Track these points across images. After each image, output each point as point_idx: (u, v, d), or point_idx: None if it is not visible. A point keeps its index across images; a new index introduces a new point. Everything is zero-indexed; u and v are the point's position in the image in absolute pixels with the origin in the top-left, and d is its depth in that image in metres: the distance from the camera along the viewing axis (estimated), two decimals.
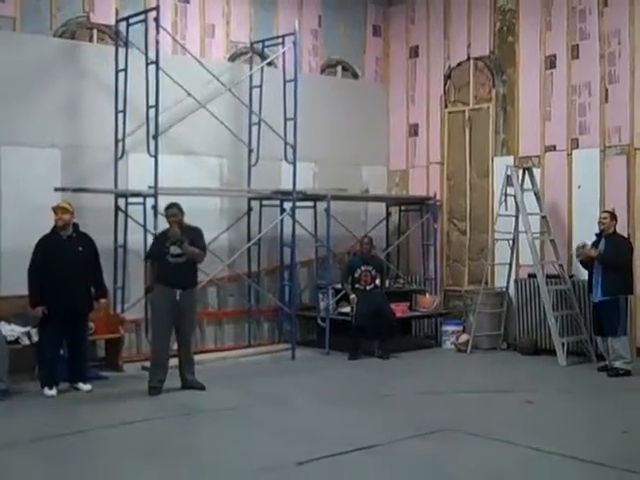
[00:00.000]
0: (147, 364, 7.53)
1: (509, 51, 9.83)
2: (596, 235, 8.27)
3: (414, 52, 10.81)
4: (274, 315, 9.78)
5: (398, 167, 10.95)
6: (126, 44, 8.49)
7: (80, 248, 7.22)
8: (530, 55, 9.60)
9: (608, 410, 6.83)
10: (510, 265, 9.46)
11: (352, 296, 9.10)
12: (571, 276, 9.03)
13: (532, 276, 9.12)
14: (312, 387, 7.64)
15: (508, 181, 9.16)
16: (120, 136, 8.48)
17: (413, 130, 10.80)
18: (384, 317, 8.95)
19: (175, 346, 7.34)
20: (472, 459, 5.40)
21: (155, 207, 8.07)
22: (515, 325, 9.45)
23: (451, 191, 10.41)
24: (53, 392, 7.04)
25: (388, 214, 10.75)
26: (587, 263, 8.26)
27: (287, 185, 9.20)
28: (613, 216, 8.24)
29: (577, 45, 9.19)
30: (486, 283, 9.51)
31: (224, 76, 9.16)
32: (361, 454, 5.45)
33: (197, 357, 7.69)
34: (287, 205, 9.24)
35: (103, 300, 7.46)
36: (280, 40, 9.53)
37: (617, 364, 7.96)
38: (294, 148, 9.06)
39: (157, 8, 8.13)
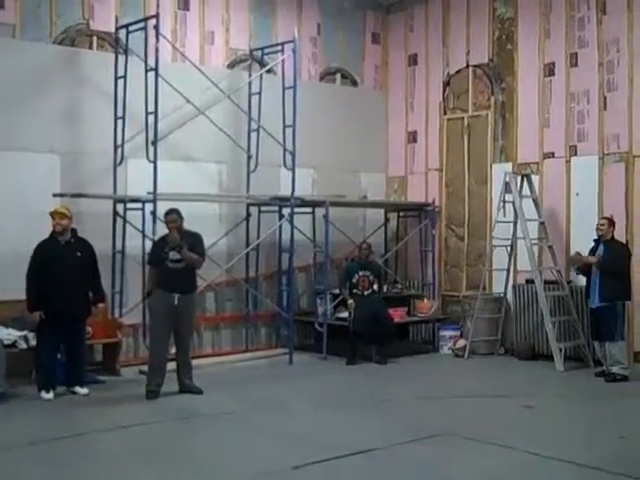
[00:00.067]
0: (144, 368, 7.55)
1: (508, 59, 9.87)
2: (594, 241, 8.29)
3: (413, 60, 10.85)
4: (272, 320, 9.79)
5: (397, 174, 10.99)
6: (126, 51, 8.53)
7: (78, 253, 7.24)
8: (529, 63, 9.64)
9: (605, 415, 6.83)
10: (508, 271, 9.48)
11: (350, 301, 9.11)
12: (569, 282, 9.04)
13: (530, 282, 9.14)
14: (309, 392, 7.65)
15: (507, 188, 9.19)
16: (119, 142, 8.51)
17: (412, 137, 10.84)
18: (382, 322, 8.97)
19: (173, 350, 7.35)
20: (470, 463, 5.41)
21: (154, 213, 8.09)
22: (513, 330, 9.46)
23: (450, 197, 10.44)
24: (50, 396, 7.05)
25: (387, 220, 10.78)
26: (585, 270, 8.28)
27: (286, 191, 9.23)
28: (611, 222, 8.26)
29: (576, 53, 9.23)
30: (484, 289, 9.53)
31: (223, 83, 9.20)
32: (358, 458, 5.46)
33: (195, 361, 7.69)
34: (286, 211, 9.26)
35: (101, 305, 7.47)
36: (279, 47, 9.57)
37: (614, 369, 7.97)
38: (293, 154, 9.09)
39: (157, 16, 8.17)
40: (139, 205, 8.30)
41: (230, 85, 9.33)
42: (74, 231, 7.32)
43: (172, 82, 8.27)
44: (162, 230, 7.61)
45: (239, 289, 9.52)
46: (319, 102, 10.15)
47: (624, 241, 8.52)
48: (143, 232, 8.24)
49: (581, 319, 8.84)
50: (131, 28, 8.50)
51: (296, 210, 9.19)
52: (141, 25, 8.43)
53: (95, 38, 8.67)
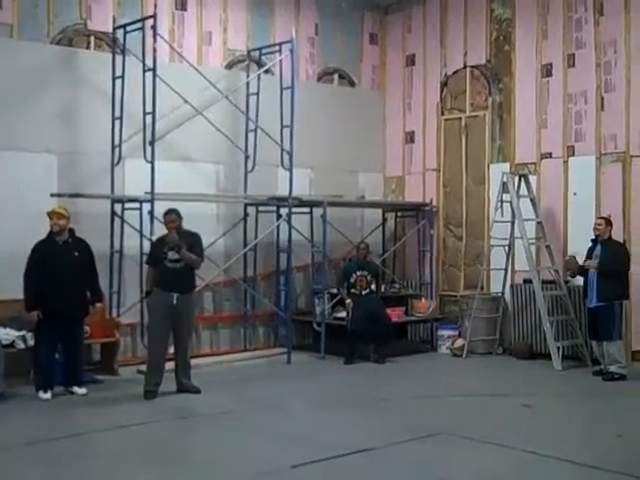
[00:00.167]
0: (143, 367, 7.55)
1: (505, 59, 9.89)
2: (591, 241, 8.30)
3: (411, 60, 10.86)
4: (270, 320, 9.80)
5: (394, 174, 11.00)
6: (123, 51, 8.52)
7: (76, 253, 7.24)
8: (526, 64, 9.66)
9: (603, 414, 6.84)
10: (506, 270, 9.49)
11: (348, 301, 9.12)
12: (566, 282, 9.05)
13: (528, 281, 9.15)
14: (308, 391, 7.65)
15: (504, 188, 9.20)
16: (117, 142, 8.50)
17: (409, 137, 10.85)
18: (380, 322, 8.98)
19: (172, 350, 7.35)
20: (468, 463, 5.41)
21: (151, 213, 8.09)
22: (510, 330, 9.48)
23: (447, 197, 10.45)
24: (48, 396, 7.04)
25: (384, 220, 10.79)
26: (581, 271, 8.30)
27: (283, 191, 9.24)
28: (608, 222, 8.28)
29: (573, 54, 9.25)
30: (482, 288, 9.55)
31: (221, 83, 9.21)
32: (357, 458, 5.46)
33: (193, 361, 7.69)
34: (283, 211, 9.27)
35: (99, 304, 7.46)
36: (277, 48, 9.58)
37: (612, 368, 7.98)
38: (290, 155, 9.09)
39: (154, 16, 8.17)
40: (137, 205, 8.30)
41: (228, 85, 9.34)
42: (72, 231, 7.32)
43: (170, 82, 8.27)
44: (160, 230, 7.61)
45: (237, 289, 9.53)
46: (317, 102, 10.15)
47: (621, 241, 8.54)
48: (141, 232, 8.24)
49: (579, 318, 8.85)
50: (129, 28, 8.49)
51: (294, 210, 9.20)
52: (139, 25, 8.42)
53: (93, 38, 8.67)
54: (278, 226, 9.40)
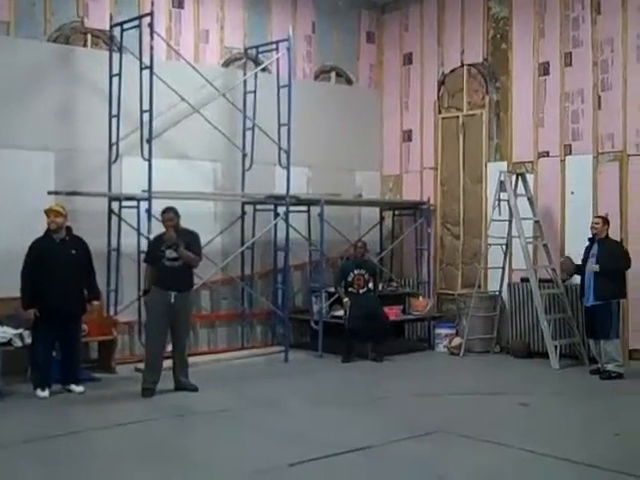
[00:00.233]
0: (140, 366, 7.54)
1: (502, 58, 9.89)
2: (589, 240, 8.31)
3: (408, 59, 10.86)
4: (267, 318, 9.80)
5: (392, 172, 11.00)
6: (120, 49, 8.51)
7: (73, 251, 7.23)
8: (523, 62, 9.66)
9: (600, 413, 6.85)
10: (503, 269, 9.50)
11: (345, 299, 9.12)
12: (564, 280, 9.05)
13: (525, 280, 9.15)
14: (305, 389, 7.65)
15: (501, 186, 9.21)
16: (114, 140, 8.50)
17: (407, 136, 10.85)
18: (377, 320, 8.98)
19: (170, 348, 7.34)
20: (465, 461, 5.41)
21: (149, 211, 8.09)
22: (508, 328, 9.49)
23: (445, 196, 10.45)
24: (45, 394, 7.04)
25: (382, 219, 10.79)
26: (577, 271, 8.32)
27: (281, 190, 9.23)
28: (605, 221, 8.29)
29: (570, 52, 9.25)
30: (479, 287, 9.55)
31: (218, 81, 9.20)
32: (354, 456, 5.46)
33: (191, 359, 7.69)
34: (281, 209, 9.27)
35: (96, 302, 7.47)
36: (274, 46, 9.57)
37: (609, 367, 7.99)
38: (288, 153, 9.09)
39: (151, 14, 8.16)
40: (134, 203, 8.29)
41: (225, 83, 9.33)
42: (69, 229, 7.31)
43: (167, 80, 8.26)
44: (157, 228, 7.61)
45: (235, 287, 9.52)
46: (314, 101, 10.15)
47: (618, 239, 8.54)
48: (138, 230, 8.23)
49: (576, 317, 8.86)
50: (126, 26, 8.49)
51: (291, 208, 9.19)
52: (136, 23, 8.41)
53: (90, 36, 8.65)
54: (275, 224, 9.40)
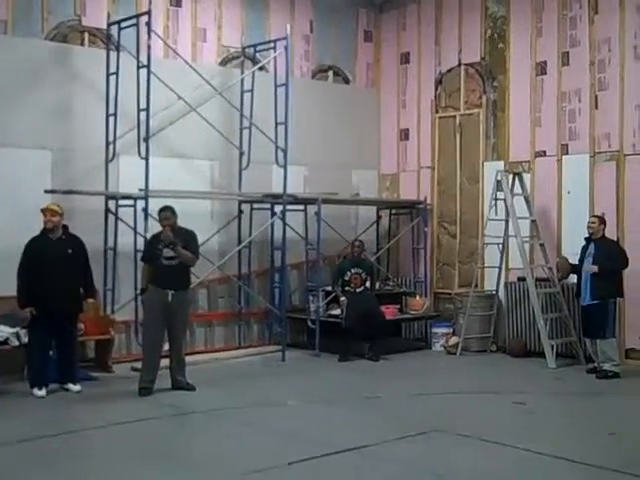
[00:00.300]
0: (137, 365, 7.55)
1: (500, 57, 9.90)
2: (585, 239, 8.32)
3: (405, 58, 10.86)
4: (264, 317, 9.79)
5: (389, 171, 11.00)
6: (117, 48, 8.51)
7: (70, 250, 7.23)
8: (520, 61, 9.67)
9: (596, 412, 6.87)
10: (500, 268, 9.51)
11: (342, 298, 9.13)
12: (560, 280, 9.07)
13: (522, 279, 9.17)
14: (302, 388, 7.65)
15: (498, 186, 9.21)
16: (111, 139, 8.49)
17: (404, 135, 10.85)
18: (374, 319, 8.98)
19: (167, 347, 7.34)
20: (462, 460, 5.41)
21: (146, 210, 8.09)
22: (505, 328, 9.50)
23: (441, 195, 10.46)
24: (42, 393, 7.03)
25: (379, 218, 10.79)
26: (573, 271, 8.33)
27: (278, 189, 9.24)
28: (602, 220, 8.30)
29: (567, 52, 9.26)
30: (476, 286, 9.56)
31: (215, 80, 9.20)
32: (351, 455, 5.46)
33: (188, 358, 7.68)
34: (278, 208, 9.26)
35: (91, 300, 7.45)
36: (272, 45, 9.56)
37: (606, 366, 8.00)
38: (285, 152, 9.09)
39: (149, 12, 8.15)
40: (131, 202, 8.28)
41: (222, 82, 9.32)
42: (65, 228, 7.31)
43: (164, 79, 8.26)
44: (154, 227, 7.60)
45: (231, 286, 9.52)
46: (311, 99, 10.15)
47: (615, 239, 8.55)
48: (135, 229, 8.22)
49: (572, 316, 8.88)
50: (123, 24, 8.48)
51: (288, 207, 9.19)
52: (133, 22, 8.41)
53: (87, 34, 8.64)
54: (272, 223, 9.39)
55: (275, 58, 9.47)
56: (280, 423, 6.34)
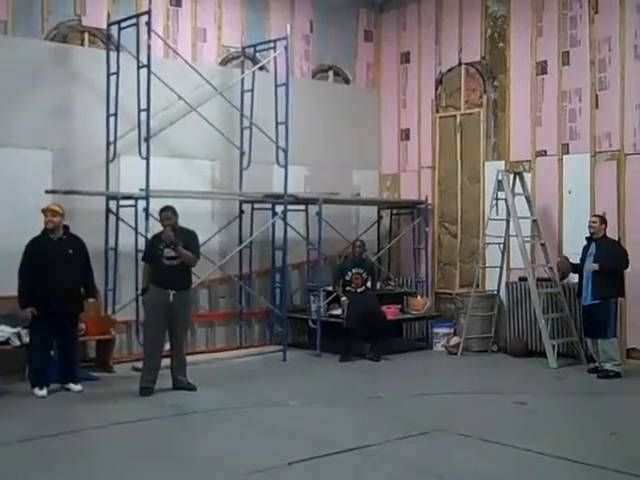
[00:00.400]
0: (138, 365, 7.54)
1: (500, 57, 9.89)
2: (586, 239, 8.31)
3: (405, 57, 10.86)
4: (265, 317, 9.79)
5: (390, 171, 11.00)
6: (117, 48, 8.51)
7: (70, 250, 7.23)
8: (521, 61, 9.66)
9: (598, 412, 6.86)
10: (501, 268, 9.51)
11: (343, 298, 9.13)
12: (561, 279, 9.06)
13: (523, 279, 9.16)
14: (303, 388, 7.64)
15: (499, 185, 9.21)
16: (112, 139, 8.49)
17: (404, 134, 10.85)
18: (375, 319, 8.98)
19: (168, 347, 7.34)
20: (463, 460, 5.40)
21: (146, 210, 8.09)
22: (506, 327, 9.49)
23: (442, 195, 10.46)
24: (43, 392, 7.03)
25: (379, 218, 10.79)
26: (574, 271, 8.32)
27: (279, 188, 9.23)
28: (603, 220, 8.29)
29: (568, 51, 9.25)
30: (477, 286, 9.55)
31: (216, 80, 9.19)
32: (352, 455, 5.45)
33: (189, 358, 7.68)
34: (279, 208, 9.26)
35: (92, 300, 7.45)
36: (272, 44, 9.56)
37: (607, 366, 8.00)
38: (286, 152, 9.09)
39: (149, 12, 8.15)
40: (132, 202, 8.28)
41: (222, 82, 9.32)
42: (66, 228, 7.31)
43: (164, 79, 8.26)
44: (155, 227, 7.60)
45: (232, 286, 9.52)
46: (312, 99, 10.15)
47: (616, 239, 8.55)
48: (136, 229, 8.22)
49: (574, 316, 8.87)
50: (123, 24, 8.48)
51: (289, 207, 9.19)
52: (133, 21, 8.40)
53: (87, 34, 8.65)
54: (273, 223, 9.39)
55: (275, 58, 9.47)
56: (281, 423, 6.34)
